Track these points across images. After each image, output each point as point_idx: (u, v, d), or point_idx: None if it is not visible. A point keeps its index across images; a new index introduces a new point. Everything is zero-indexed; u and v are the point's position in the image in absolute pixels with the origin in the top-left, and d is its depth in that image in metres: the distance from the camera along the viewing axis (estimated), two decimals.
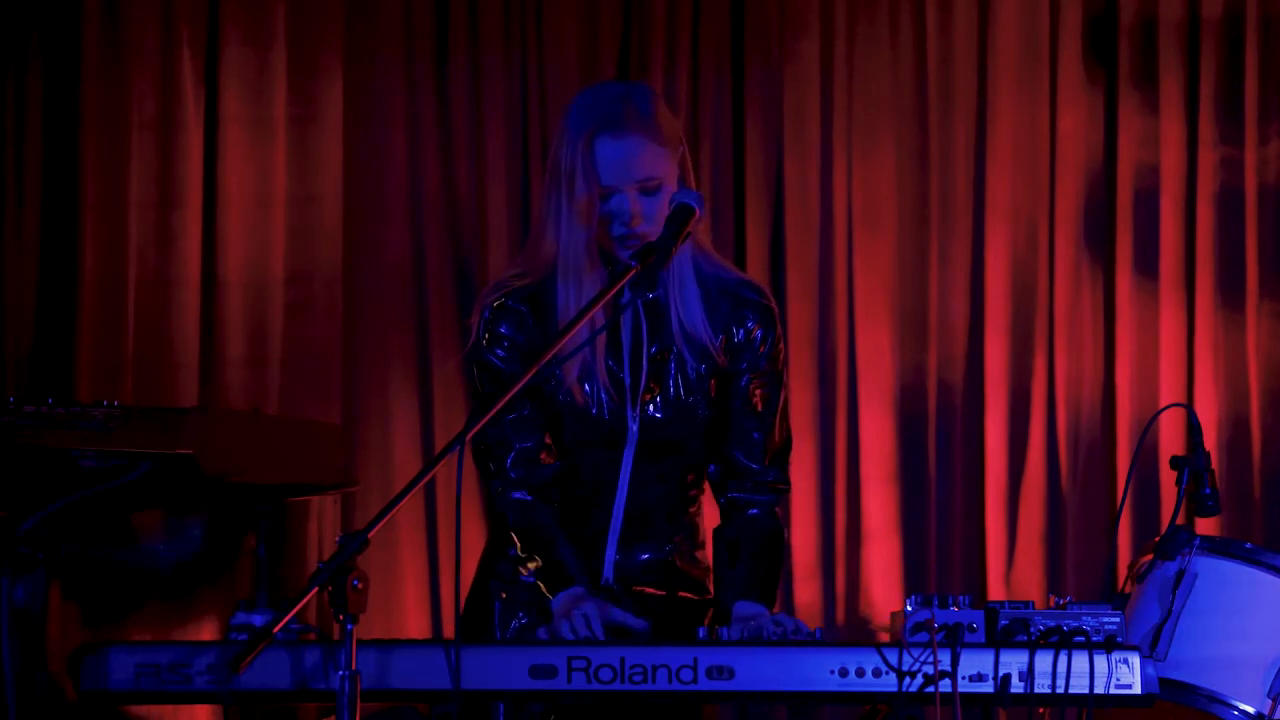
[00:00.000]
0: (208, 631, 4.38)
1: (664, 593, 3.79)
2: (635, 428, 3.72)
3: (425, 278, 5.94)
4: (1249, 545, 3.94)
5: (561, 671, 3.32)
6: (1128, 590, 3.95)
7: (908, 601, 3.37)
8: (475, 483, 5.88)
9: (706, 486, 3.86)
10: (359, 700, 3.19)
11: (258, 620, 3.29)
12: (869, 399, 6.03)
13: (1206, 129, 6.07)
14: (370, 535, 3.21)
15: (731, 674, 3.34)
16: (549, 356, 3.46)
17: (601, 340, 3.70)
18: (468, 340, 3.80)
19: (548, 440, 3.75)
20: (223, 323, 5.82)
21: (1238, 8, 6.08)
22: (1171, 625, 3.86)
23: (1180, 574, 3.90)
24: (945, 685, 3.32)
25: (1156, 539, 3.98)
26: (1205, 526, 4.74)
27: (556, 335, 3.51)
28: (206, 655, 3.32)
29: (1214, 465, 4.08)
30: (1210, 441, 5.17)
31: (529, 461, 3.73)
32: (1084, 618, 3.38)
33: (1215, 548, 3.93)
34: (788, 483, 3.82)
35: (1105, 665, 3.37)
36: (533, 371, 3.42)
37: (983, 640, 3.37)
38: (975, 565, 6.03)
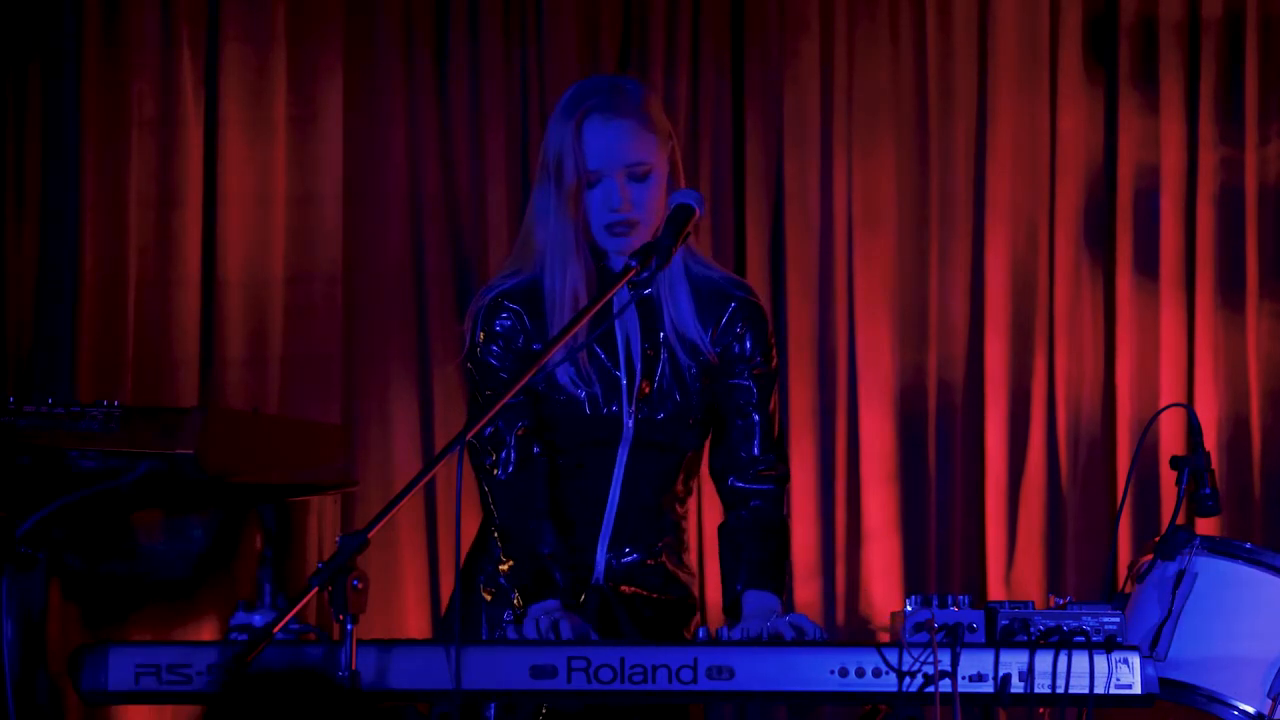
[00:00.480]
0: (208, 631, 4.38)
1: (654, 595, 3.79)
2: (630, 425, 3.72)
3: (425, 278, 5.94)
4: (1249, 545, 3.94)
5: (561, 671, 3.32)
6: (1128, 590, 3.95)
7: (908, 601, 3.37)
8: (475, 482, 5.89)
9: (695, 490, 3.86)
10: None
11: (258, 620, 3.29)
12: (869, 399, 6.03)
13: (1206, 129, 6.07)
14: (370, 535, 3.21)
15: (731, 674, 3.34)
16: (549, 355, 3.46)
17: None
18: (464, 343, 3.80)
19: (541, 437, 3.75)
20: (223, 323, 5.82)
21: (1238, 8, 6.08)
22: (1171, 625, 3.86)
23: (1180, 574, 3.90)
24: (945, 685, 3.32)
25: (1156, 539, 3.98)
26: (1205, 526, 4.74)
27: (555, 336, 3.52)
28: (206, 655, 3.32)
29: (1214, 465, 4.07)
30: (1210, 441, 5.17)
31: (523, 455, 3.73)
32: (1084, 618, 3.38)
33: (1215, 548, 3.93)
34: (788, 471, 3.83)
35: (1105, 665, 3.37)
36: (533, 370, 3.43)
37: (983, 640, 3.37)
38: (975, 565, 6.03)
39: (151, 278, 5.81)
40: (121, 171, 5.79)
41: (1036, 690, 3.35)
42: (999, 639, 3.37)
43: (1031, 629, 3.37)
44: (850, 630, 5.96)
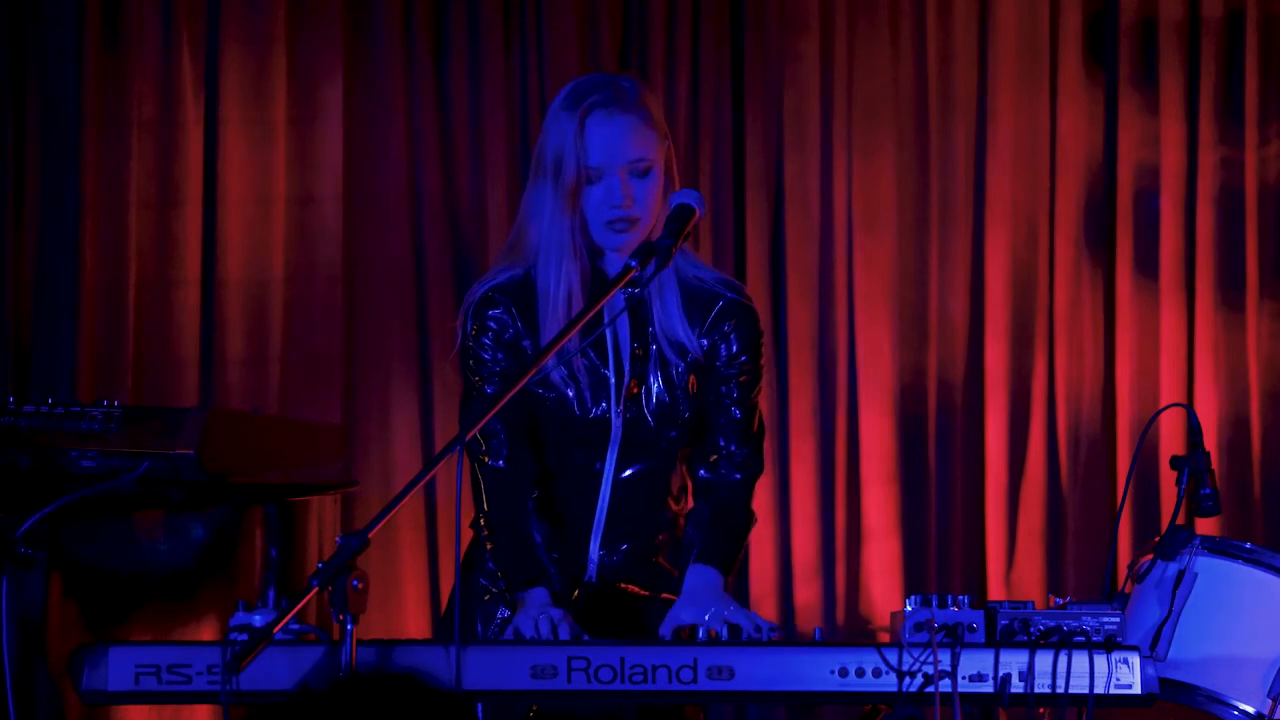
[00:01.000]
0: (208, 631, 4.37)
1: (647, 592, 3.79)
2: (619, 425, 3.73)
3: (425, 278, 5.94)
4: (1249, 545, 3.94)
5: (562, 671, 3.32)
6: (1128, 590, 3.95)
7: (908, 601, 3.37)
8: (471, 480, 5.89)
9: (688, 487, 3.87)
10: None
11: (258, 620, 3.29)
12: (869, 399, 6.03)
13: (1206, 129, 6.07)
14: (370, 535, 3.21)
15: (732, 674, 3.34)
16: (548, 356, 3.46)
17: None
18: (456, 339, 3.81)
19: (532, 433, 3.76)
20: (223, 323, 5.82)
21: (1238, 8, 6.08)
22: (1171, 625, 3.86)
23: (1180, 574, 3.90)
24: (945, 685, 3.32)
25: (1156, 539, 3.98)
26: (1205, 526, 4.74)
27: (554, 339, 3.52)
28: (206, 655, 3.32)
29: (1214, 465, 4.08)
30: (1210, 441, 5.17)
31: (514, 448, 3.74)
32: (1084, 618, 3.38)
33: (1215, 548, 3.93)
34: (760, 464, 3.83)
35: (1105, 665, 3.37)
36: (533, 371, 3.43)
37: (983, 640, 3.37)
38: (975, 565, 6.03)
39: (151, 278, 5.81)
40: (121, 171, 5.79)
41: (1036, 690, 3.35)
42: (999, 639, 3.37)
43: (1031, 629, 3.37)
44: (850, 630, 5.97)
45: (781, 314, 6.01)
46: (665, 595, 3.80)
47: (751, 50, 6.04)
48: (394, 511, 3.28)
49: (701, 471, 3.82)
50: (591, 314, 3.52)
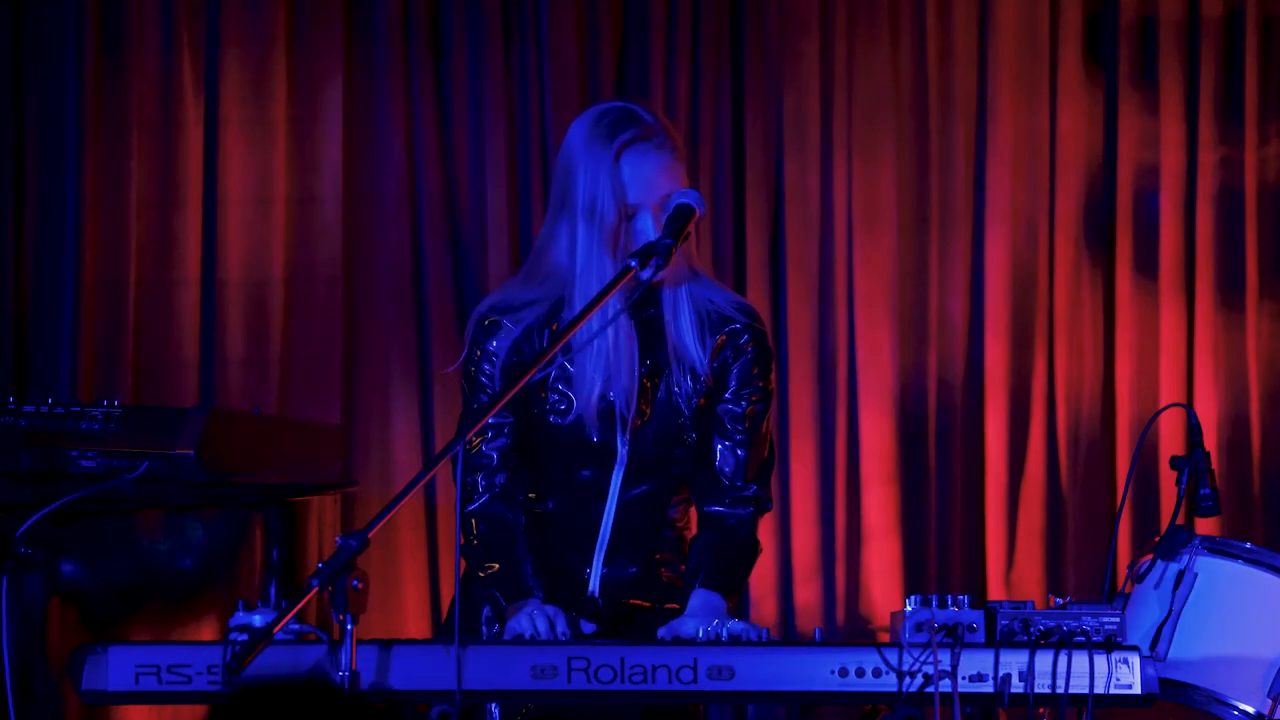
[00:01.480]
0: (208, 631, 4.37)
1: (650, 605, 3.80)
2: (625, 448, 3.73)
3: (425, 278, 5.93)
4: (1249, 545, 3.94)
5: (562, 671, 3.32)
6: (1128, 590, 3.95)
7: (908, 601, 3.38)
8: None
9: (690, 502, 3.87)
10: None
11: (258, 620, 3.29)
12: (869, 399, 6.03)
13: (1206, 129, 6.07)
14: (370, 535, 3.21)
15: (732, 674, 3.34)
16: (547, 359, 3.46)
17: (595, 360, 3.70)
18: (463, 352, 3.82)
19: (519, 455, 3.76)
20: (223, 323, 5.82)
21: (1238, 8, 6.08)
22: (1171, 625, 3.86)
23: (1180, 574, 3.90)
24: (945, 685, 3.32)
25: (1156, 539, 3.98)
26: (1205, 526, 4.74)
27: (546, 347, 3.52)
28: (206, 655, 3.32)
29: (1214, 465, 4.08)
30: (1210, 441, 5.16)
31: (504, 475, 3.74)
32: (1084, 618, 3.38)
33: (1215, 548, 3.93)
34: (768, 499, 3.83)
35: (1105, 665, 3.37)
36: (529, 375, 3.43)
37: (983, 640, 3.37)
38: (975, 565, 6.03)
39: (151, 278, 5.81)
40: (121, 172, 5.78)
41: (1036, 690, 3.35)
42: (999, 639, 3.37)
43: (1031, 629, 3.37)
44: (850, 630, 5.96)
45: (781, 314, 6.01)
46: (668, 606, 3.80)
47: (751, 50, 6.03)
48: (394, 511, 3.28)
49: (709, 506, 3.81)
50: (585, 318, 3.52)
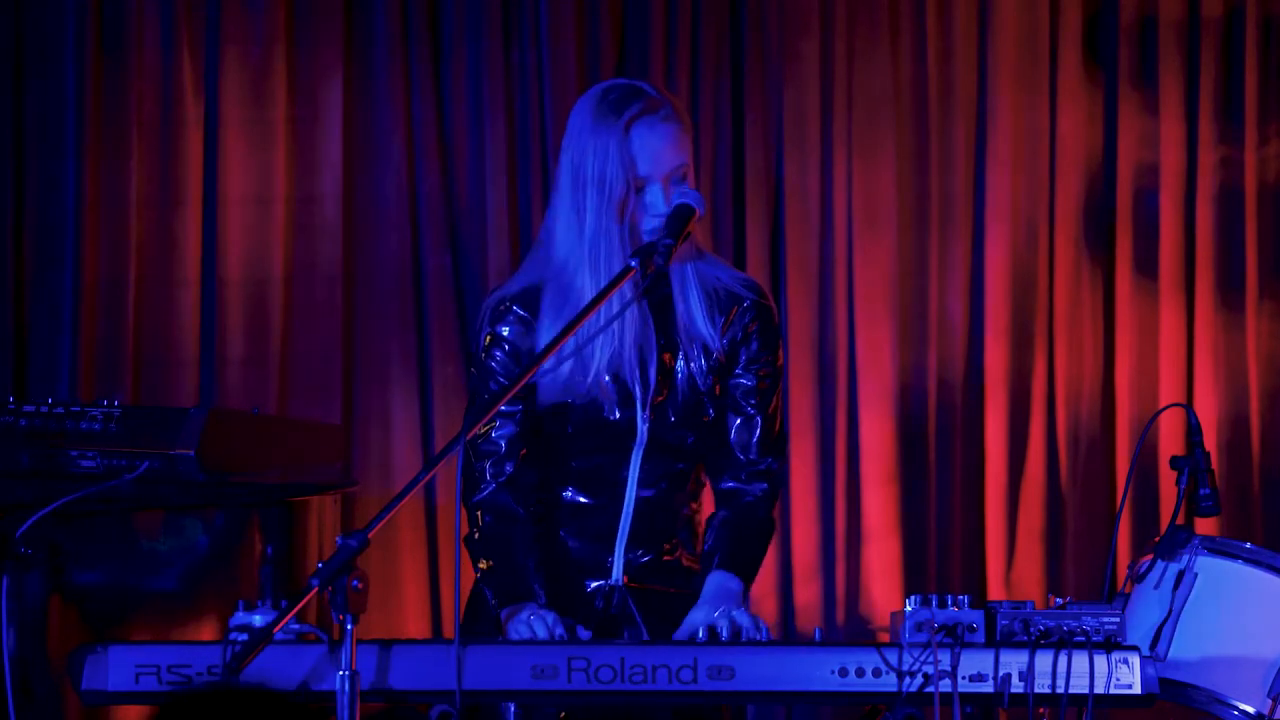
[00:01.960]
0: (208, 631, 4.37)
1: (671, 590, 3.80)
2: (645, 429, 3.73)
3: (425, 278, 5.93)
4: (1249, 545, 3.94)
5: (562, 671, 3.33)
6: (1128, 590, 3.95)
7: (908, 601, 3.38)
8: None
9: (704, 484, 3.88)
10: (359, 700, 3.20)
11: (258, 620, 3.29)
12: (869, 399, 6.03)
13: (1206, 129, 6.07)
14: (370, 535, 3.21)
15: (732, 674, 3.34)
16: (545, 357, 3.47)
17: (605, 340, 3.71)
18: (472, 344, 3.82)
19: (529, 444, 3.76)
20: (223, 323, 5.82)
21: (1238, 8, 6.08)
22: (1171, 625, 3.86)
23: (1180, 574, 3.90)
24: (945, 685, 3.32)
25: (1156, 539, 3.98)
26: (1205, 526, 4.74)
27: (551, 341, 3.52)
28: (206, 655, 3.32)
29: (1214, 465, 4.08)
30: (1210, 441, 5.16)
31: (512, 464, 3.74)
32: (1084, 618, 3.38)
33: (1215, 548, 3.93)
34: (783, 473, 3.85)
35: (1105, 665, 3.37)
36: (530, 373, 3.43)
37: (983, 640, 3.37)
38: (975, 565, 6.03)
39: (151, 278, 5.81)
40: (121, 172, 5.78)
41: (1036, 690, 3.35)
42: (999, 639, 3.37)
43: (1031, 629, 3.37)
44: (850, 630, 5.96)
45: (782, 313, 6.01)
46: (688, 591, 3.80)
47: (751, 50, 6.03)
48: (394, 511, 3.28)
49: (725, 482, 3.83)
50: (586, 317, 3.52)
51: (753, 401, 3.79)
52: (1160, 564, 3.92)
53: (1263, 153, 6.10)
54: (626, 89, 3.73)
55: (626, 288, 3.62)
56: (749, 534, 3.80)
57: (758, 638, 3.51)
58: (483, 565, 3.71)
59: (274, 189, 5.86)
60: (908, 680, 3.34)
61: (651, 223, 3.68)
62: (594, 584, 3.77)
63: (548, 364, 3.63)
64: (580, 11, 5.95)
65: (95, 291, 5.74)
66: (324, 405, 5.81)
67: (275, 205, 5.85)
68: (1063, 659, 3.35)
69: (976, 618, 3.37)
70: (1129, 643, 3.43)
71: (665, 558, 3.80)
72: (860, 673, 3.34)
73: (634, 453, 3.75)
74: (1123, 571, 4.03)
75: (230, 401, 5.73)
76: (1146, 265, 6.10)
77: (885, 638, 3.45)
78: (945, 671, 3.32)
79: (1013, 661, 3.36)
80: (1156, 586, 3.92)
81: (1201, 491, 4.00)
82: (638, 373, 3.72)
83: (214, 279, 5.82)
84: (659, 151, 3.67)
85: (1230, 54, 6.09)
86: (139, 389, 5.75)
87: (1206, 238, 6.07)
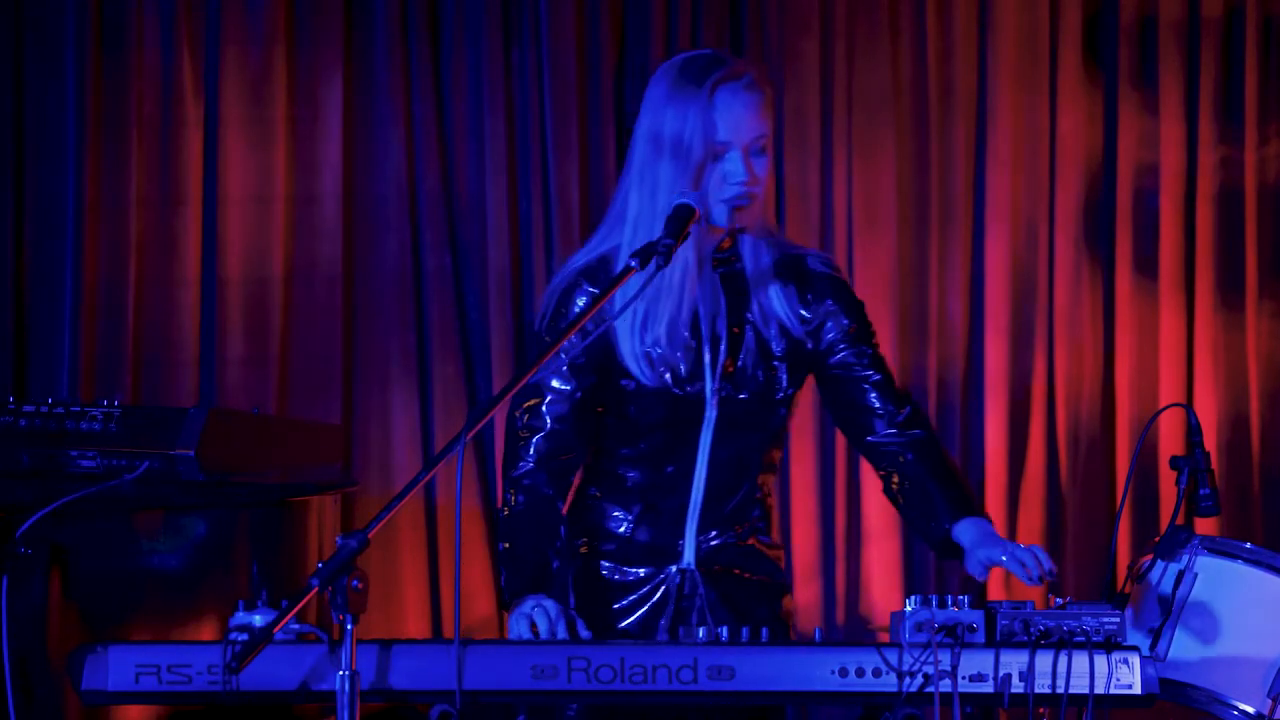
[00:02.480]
0: (208, 631, 4.37)
1: (743, 574, 3.78)
2: (714, 406, 3.71)
3: (425, 278, 5.93)
4: (1249, 545, 3.94)
5: (562, 671, 3.33)
6: (1128, 590, 3.95)
7: (908, 601, 3.38)
8: (475, 483, 5.89)
9: (779, 464, 3.85)
10: (359, 700, 3.20)
11: (258, 620, 3.30)
12: None
13: (1206, 129, 6.07)
14: (370, 535, 3.21)
15: (732, 674, 3.34)
16: (551, 353, 3.46)
17: (680, 318, 3.68)
18: (536, 321, 3.78)
19: (579, 425, 3.73)
20: (223, 322, 5.82)
21: (1238, 8, 6.08)
22: (1171, 625, 3.86)
23: (1180, 574, 3.90)
24: (945, 685, 3.32)
25: (1156, 539, 3.98)
26: (1205, 526, 4.74)
27: (554, 339, 3.52)
28: (206, 655, 3.32)
29: (1214, 465, 4.07)
30: (1210, 441, 5.16)
31: (555, 443, 3.73)
32: (1084, 618, 3.39)
33: (1215, 548, 3.93)
34: (926, 414, 3.81)
35: (1105, 665, 3.37)
36: (531, 372, 3.43)
37: (983, 640, 3.37)
38: None
39: (151, 278, 5.80)
40: (121, 171, 5.78)
41: (1036, 690, 3.35)
42: (999, 639, 3.37)
43: (1031, 629, 3.37)
44: (850, 630, 5.96)
45: None
46: (763, 576, 3.79)
47: (751, 50, 6.03)
48: (394, 511, 3.28)
49: (876, 441, 3.77)
50: (589, 315, 3.51)
51: (863, 363, 3.77)
52: (1160, 564, 3.92)
53: (1263, 153, 6.10)
54: (710, 57, 3.69)
55: (695, 250, 3.60)
56: (954, 478, 3.73)
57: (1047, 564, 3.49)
58: (505, 545, 3.70)
59: (274, 189, 5.86)
60: (908, 680, 3.34)
61: (730, 191, 3.65)
62: (663, 570, 3.76)
63: (542, 369, 3.59)
64: (580, 11, 5.95)
65: (95, 291, 5.74)
66: (324, 405, 5.81)
67: (275, 205, 5.85)
68: (1063, 659, 3.35)
69: (976, 618, 3.37)
70: (1129, 643, 3.43)
71: (738, 541, 3.78)
72: (860, 673, 3.34)
73: (703, 430, 3.73)
74: (1123, 571, 4.03)
75: (230, 401, 5.73)
76: (1146, 265, 6.10)
77: (885, 638, 3.45)
78: (945, 671, 3.32)
79: (1013, 662, 3.36)
80: (1156, 586, 3.92)
81: (1201, 491, 4.00)
82: (706, 349, 3.70)
83: (214, 279, 5.82)
84: (741, 118, 3.64)
85: (1230, 54, 6.09)
86: (139, 389, 5.75)
87: (1206, 238, 6.07)
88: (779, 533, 3.90)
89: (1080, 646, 3.36)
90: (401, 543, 5.87)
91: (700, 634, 3.45)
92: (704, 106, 3.63)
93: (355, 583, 3.17)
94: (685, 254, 3.64)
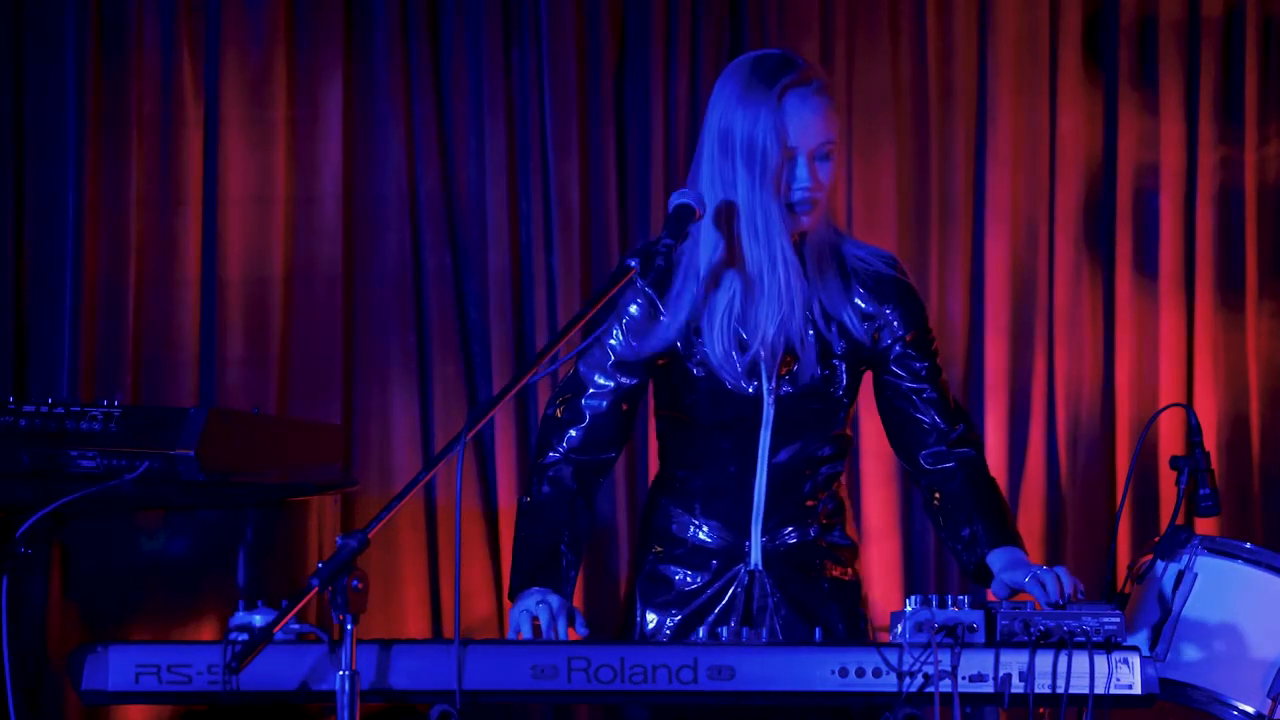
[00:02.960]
0: (208, 631, 4.37)
1: (812, 574, 3.77)
2: (771, 404, 3.70)
3: (425, 277, 5.93)
4: (1249, 545, 3.94)
5: (562, 671, 3.33)
6: (1128, 590, 3.95)
7: (908, 601, 3.38)
8: (475, 483, 5.89)
9: (849, 464, 3.84)
10: (359, 700, 3.20)
11: (258, 620, 3.30)
12: (869, 399, 6.01)
13: (1206, 129, 6.07)
14: (370, 535, 3.21)
15: (732, 674, 3.34)
16: (550, 353, 3.46)
17: (794, 319, 3.68)
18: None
19: (615, 423, 3.74)
20: (223, 323, 5.82)
21: (1238, 8, 6.08)
22: (1171, 625, 3.86)
23: (1180, 574, 3.90)
24: (945, 685, 3.32)
25: (1156, 539, 3.98)
26: (1205, 526, 4.74)
27: (554, 338, 3.52)
28: (206, 655, 3.32)
29: (1214, 465, 4.07)
30: (1210, 441, 5.17)
31: (588, 437, 3.74)
32: (1084, 618, 3.39)
33: (1215, 548, 3.93)
34: (980, 432, 3.80)
35: (1105, 665, 3.37)
36: (531, 372, 3.42)
37: (983, 640, 3.37)
38: None
39: (151, 278, 5.81)
40: (121, 171, 5.78)
41: (1036, 690, 3.35)
42: (999, 639, 3.37)
43: (1031, 629, 3.37)
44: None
45: None
46: (835, 574, 3.79)
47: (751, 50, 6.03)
48: (394, 511, 3.28)
49: (925, 457, 3.77)
50: (589, 315, 3.51)
51: (920, 375, 3.76)
52: (1160, 564, 3.92)
53: (1263, 153, 6.10)
54: (780, 58, 3.67)
55: (788, 240, 3.61)
56: (996, 503, 3.72)
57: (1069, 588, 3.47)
58: (520, 534, 3.70)
59: (274, 189, 5.86)
60: (908, 680, 3.34)
61: (795, 195, 3.64)
62: (732, 571, 3.76)
63: (539, 374, 3.59)
64: (580, 11, 5.95)
65: (95, 291, 5.74)
66: (324, 405, 5.82)
67: (275, 205, 5.85)
68: (1063, 659, 3.35)
69: (976, 618, 3.37)
70: (1129, 643, 3.43)
71: (807, 540, 3.77)
72: (860, 673, 3.34)
73: (762, 429, 3.72)
74: (1123, 571, 4.03)
75: (230, 401, 5.73)
76: (1146, 265, 6.10)
77: (885, 638, 3.45)
78: (945, 672, 3.32)
79: (1013, 662, 3.36)
80: (1156, 586, 3.92)
81: (1201, 491, 4.00)
82: (766, 347, 3.68)
83: (214, 279, 5.82)
84: (810, 124, 3.63)
85: (1230, 54, 6.09)
86: (139, 389, 5.75)
87: (1206, 238, 6.07)
88: (855, 529, 3.88)
89: (1080, 647, 3.36)
90: (401, 543, 5.87)
91: (763, 636, 3.43)
92: (773, 109, 3.61)
93: (355, 583, 3.17)
94: (789, 254, 3.64)
